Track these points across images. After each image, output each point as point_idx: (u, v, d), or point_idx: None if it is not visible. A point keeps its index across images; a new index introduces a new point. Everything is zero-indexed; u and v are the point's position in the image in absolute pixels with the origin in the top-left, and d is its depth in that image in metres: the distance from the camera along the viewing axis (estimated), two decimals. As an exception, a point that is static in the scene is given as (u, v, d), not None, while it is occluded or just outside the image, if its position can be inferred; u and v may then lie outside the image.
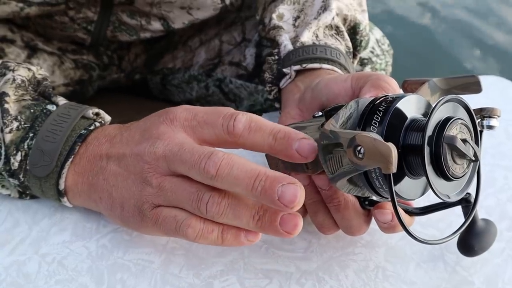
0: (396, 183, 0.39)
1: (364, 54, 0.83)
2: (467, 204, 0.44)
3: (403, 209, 0.46)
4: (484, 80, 0.77)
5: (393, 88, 0.47)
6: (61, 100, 0.50)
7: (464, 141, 0.39)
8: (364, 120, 0.40)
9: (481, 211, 0.56)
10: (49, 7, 0.66)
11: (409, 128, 0.39)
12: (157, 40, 0.85)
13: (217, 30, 0.83)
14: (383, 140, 0.35)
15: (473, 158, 0.39)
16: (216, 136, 0.42)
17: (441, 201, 0.44)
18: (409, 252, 0.51)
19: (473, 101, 0.73)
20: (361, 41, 0.66)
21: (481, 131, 0.43)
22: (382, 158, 0.35)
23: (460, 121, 0.39)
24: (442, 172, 0.38)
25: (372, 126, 0.39)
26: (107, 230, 0.50)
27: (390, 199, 0.38)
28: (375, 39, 0.85)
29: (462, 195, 0.41)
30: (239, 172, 0.39)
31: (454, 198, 0.40)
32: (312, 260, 0.49)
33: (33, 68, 0.53)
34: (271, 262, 0.49)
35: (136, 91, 0.90)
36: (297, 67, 0.59)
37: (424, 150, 0.37)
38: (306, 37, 0.61)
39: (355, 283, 0.47)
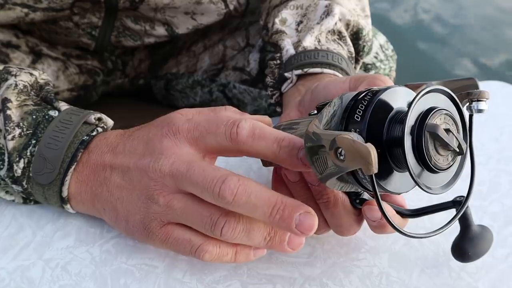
0: (384, 177, 0.39)
1: (367, 59, 0.83)
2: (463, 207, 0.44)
3: (396, 211, 0.46)
4: (487, 85, 0.77)
5: (387, 85, 0.46)
6: (63, 106, 0.50)
7: (448, 131, 0.38)
8: (347, 115, 0.39)
9: (486, 217, 0.55)
10: (54, 13, 0.67)
11: (393, 120, 0.38)
12: (161, 46, 0.85)
13: (221, 35, 0.83)
14: (362, 141, 0.35)
15: (457, 150, 0.38)
16: (219, 144, 0.42)
17: (435, 203, 0.44)
18: (413, 257, 0.50)
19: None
20: (364, 46, 0.66)
21: (471, 115, 0.42)
22: (362, 159, 0.34)
23: (444, 111, 0.38)
24: (424, 162, 0.37)
25: (354, 121, 0.38)
26: (110, 235, 0.50)
27: (374, 198, 0.37)
28: (378, 44, 0.85)
29: (448, 189, 0.40)
30: (257, 200, 0.39)
31: (437, 191, 0.39)
32: (315, 265, 0.49)
33: (36, 72, 0.53)
34: (274, 268, 0.48)
35: (140, 96, 0.90)
36: (299, 71, 0.59)
37: (404, 138, 0.36)
38: (308, 42, 0.61)
39: (359, 288, 0.47)
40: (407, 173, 0.39)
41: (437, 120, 0.37)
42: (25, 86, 0.51)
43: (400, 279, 0.48)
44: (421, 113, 0.37)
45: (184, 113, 0.46)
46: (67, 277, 0.46)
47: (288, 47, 0.62)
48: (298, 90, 0.58)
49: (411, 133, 0.36)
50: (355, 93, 0.41)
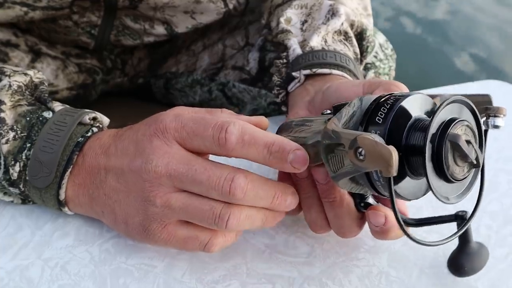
0: (396, 182, 0.39)
1: (367, 58, 0.83)
2: (463, 221, 0.44)
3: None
4: (487, 84, 0.77)
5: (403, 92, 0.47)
6: (57, 106, 0.49)
7: (468, 142, 0.38)
8: (368, 117, 0.40)
9: (485, 216, 0.55)
10: (53, 12, 0.67)
11: (413, 127, 0.38)
12: (161, 45, 0.85)
13: (221, 34, 0.83)
14: (384, 142, 0.35)
15: (475, 162, 0.38)
16: (207, 148, 0.42)
17: (438, 215, 0.44)
18: (413, 257, 0.50)
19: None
20: (367, 47, 0.66)
21: (486, 130, 0.42)
22: (382, 161, 0.35)
23: (465, 123, 0.38)
24: (441, 171, 0.37)
25: (375, 124, 0.39)
26: (110, 234, 0.50)
27: (390, 200, 0.38)
28: (378, 43, 0.85)
29: (460, 200, 0.40)
30: (263, 193, 0.42)
31: (453, 201, 0.39)
32: (315, 265, 0.49)
33: (30, 72, 0.52)
34: (274, 267, 0.48)
35: (140, 95, 0.90)
36: (307, 71, 0.59)
37: (426, 145, 0.36)
38: (315, 42, 0.61)
39: (358, 288, 0.47)
40: (419, 181, 0.39)
41: (458, 130, 0.38)
42: (19, 87, 0.50)
43: (399, 278, 0.48)
44: (443, 122, 0.37)
45: (177, 111, 0.45)
46: (66, 277, 0.46)
47: (294, 46, 0.62)
48: (306, 89, 0.58)
49: (432, 141, 0.37)
50: (375, 96, 0.41)
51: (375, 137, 0.35)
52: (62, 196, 0.47)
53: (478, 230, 0.54)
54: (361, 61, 0.67)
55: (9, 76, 0.50)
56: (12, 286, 0.45)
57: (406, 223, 0.46)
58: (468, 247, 0.46)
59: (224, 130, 0.41)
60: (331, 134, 0.39)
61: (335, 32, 0.62)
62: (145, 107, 0.89)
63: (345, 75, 0.59)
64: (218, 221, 0.42)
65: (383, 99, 0.40)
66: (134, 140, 0.44)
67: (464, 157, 0.38)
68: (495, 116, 0.42)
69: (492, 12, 2.64)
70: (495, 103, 0.73)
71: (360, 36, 0.65)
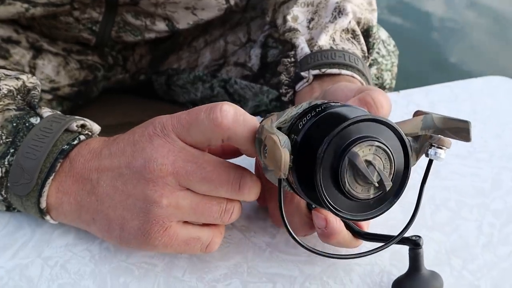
0: (313, 190, 0.38)
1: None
2: (415, 247, 0.44)
3: (347, 226, 0.46)
4: (490, 81, 0.77)
5: (377, 104, 0.46)
6: (46, 112, 0.47)
7: (369, 163, 0.37)
8: (295, 121, 0.40)
9: (488, 215, 0.55)
10: (54, 8, 0.66)
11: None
12: (162, 41, 0.84)
13: (222, 30, 0.83)
14: (288, 145, 0.37)
15: (376, 185, 0.37)
16: (203, 133, 0.41)
17: (392, 235, 0.44)
18: (415, 256, 0.50)
19: (479, 103, 0.72)
20: (373, 43, 0.66)
21: (431, 160, 0.41)
22: (275, 161, 0.37)
23: (376, 143, 0.37)
24: (337, 184, 0.37)
25: (297, 128, 0.39)
26: (110, 233, 0.49)
27: (278, 202, 0.39)
28: (380, 39, 0.85)
29: (359, 219, 0.39)
30: (259, 188, 0.44)
31: (346, 216, 0.38)
32: (316, 264, 0.49)
33: (23, 76, 0.51)
34: (275, 266, 0.48)
35: (141, 91, 0.90)
36: (316, 71, 0.58)
37: (319, 157, 0.36)
38: (324, 41, 0.61)
39: (360, 287, 0.47)
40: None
41: (364, 149, 0.37)
42: (10, 91, 0.49)
43: (401, 277, 0.48)
44: (353, 138, 0.37)
45: (171, 115, 0.44)
46: (66, 276, 0.46)
47: (302, 45, 0.61)
48: (313, 88, 0.58)
49: (335, 153, 0.36)
50: (320, 102, 0.41)
51: (282, 139, 0.37)
52: (43, 205, 0.45)
53: (481, 229, 0.53)
54: (368, 58, 0.67)
55: (0, 80, 0.49)
56: (11, 285, 0.45)
57: (354, 232, 0.46)
58: (416, 274, 0.45)
59: (218, 109, 0.40)
60: (260, 129, 0.40)
61: (343, 30, 0.62)
62: (147, 104, 0.89)
63: (354, 75, 0.58)
64: (224, 215, 0.43)
65: (319, 105, 0.40)
66: (131, 142, 0.43)
67: (363, 177, 0.37)
68: (438, 147, 0.41)
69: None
70: (497, 99, 0.72)
71: (367, 33, 0.65)
